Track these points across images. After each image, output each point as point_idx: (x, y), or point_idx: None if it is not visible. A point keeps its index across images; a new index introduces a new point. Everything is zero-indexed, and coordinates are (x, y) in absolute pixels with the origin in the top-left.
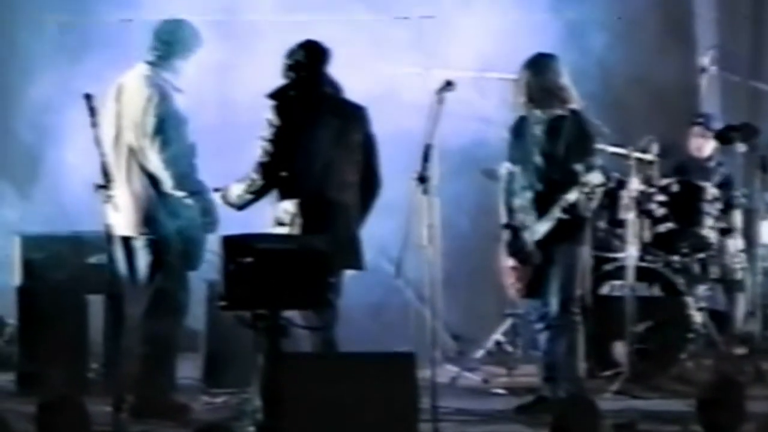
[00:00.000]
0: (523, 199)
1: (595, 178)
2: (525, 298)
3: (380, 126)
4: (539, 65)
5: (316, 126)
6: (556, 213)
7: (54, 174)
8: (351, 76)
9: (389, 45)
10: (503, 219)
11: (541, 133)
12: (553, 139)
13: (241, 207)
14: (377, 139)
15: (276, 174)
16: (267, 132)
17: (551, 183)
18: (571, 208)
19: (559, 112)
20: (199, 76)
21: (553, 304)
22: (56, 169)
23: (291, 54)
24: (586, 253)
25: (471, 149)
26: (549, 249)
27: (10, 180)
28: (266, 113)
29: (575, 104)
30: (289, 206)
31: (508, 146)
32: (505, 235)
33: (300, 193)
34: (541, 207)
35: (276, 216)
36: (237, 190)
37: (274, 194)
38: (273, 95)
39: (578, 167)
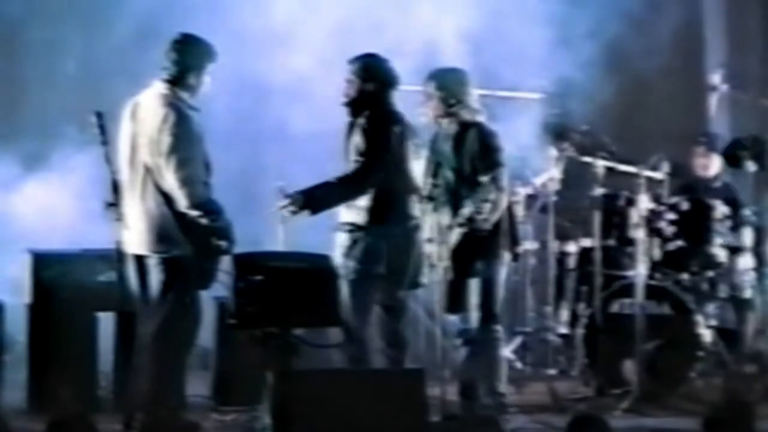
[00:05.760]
0: (442, 214)
1: (478, 204)
2: (447, 313)
3: None
4: (442, 78)
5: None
6: (456, 228)
7: None
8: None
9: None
10: (427, 234)
11: (448, 147)
12: (459, 154)
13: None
14: None
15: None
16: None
17: (460, 197)
18: (469, 222)
19: (462, 125)
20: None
21: (473, 319)
22: None
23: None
24: (501, 267)
25: None
26: (461, 264)
27: None
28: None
29: (478, 117)
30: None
31: (426, 161)
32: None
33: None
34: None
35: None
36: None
37: None
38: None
39: (484, 179)
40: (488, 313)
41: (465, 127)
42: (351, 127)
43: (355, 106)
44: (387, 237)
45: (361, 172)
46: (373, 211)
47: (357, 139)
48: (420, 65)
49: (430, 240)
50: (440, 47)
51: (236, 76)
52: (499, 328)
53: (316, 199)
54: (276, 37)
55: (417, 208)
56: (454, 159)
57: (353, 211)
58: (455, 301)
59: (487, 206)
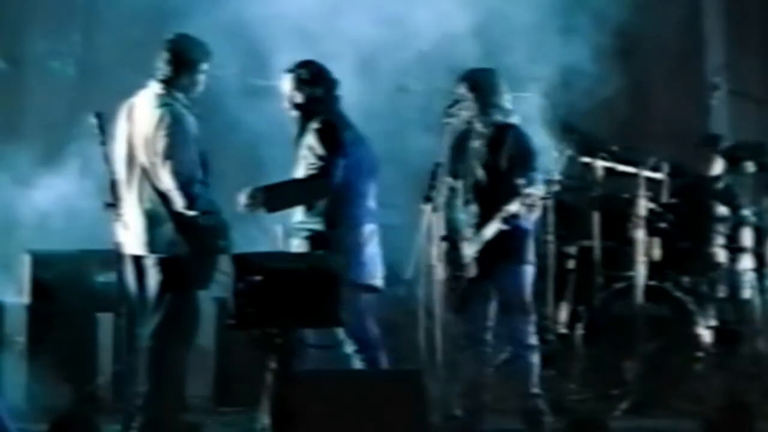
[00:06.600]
0: (466, 212)
1: (539, 190)
2: (454, 313)
3: (387, 144)
4: (475, 79)
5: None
6: (497, 224)
7: None
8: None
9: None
10: (442, 232)
11: (481, 146)
12: (494, 153)
13: None
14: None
15: None
16: None
17: (493, 196)
18: (512, 219)
19: (498, 126)
20: None
21: (479, 323)
22: None
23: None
24: (529, 273)
25: None
26: (487, 264)
27: None
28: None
29: (514, 118)
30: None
31: (449, 161)
32: (442, 247)
33: None
34: (483, 220)
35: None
36: None
37: None
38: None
39: (520, 181)
40: (523, 313)
41: (501, 128)
42: (301, 132)
43: (305, 111)
44: (343, 241)
45: (321, 175)
46: (329, 216)
47: (311, 143)
48: (421, 57)
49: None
50: (441, 40)
51: (239, 75)
52: (528, 330)
53: (276, 197)
54: (280, 35)
55: (370, 211)
56: (488, 158)
57: (309, 216)
58: (467, 301)
59: (538, 205)
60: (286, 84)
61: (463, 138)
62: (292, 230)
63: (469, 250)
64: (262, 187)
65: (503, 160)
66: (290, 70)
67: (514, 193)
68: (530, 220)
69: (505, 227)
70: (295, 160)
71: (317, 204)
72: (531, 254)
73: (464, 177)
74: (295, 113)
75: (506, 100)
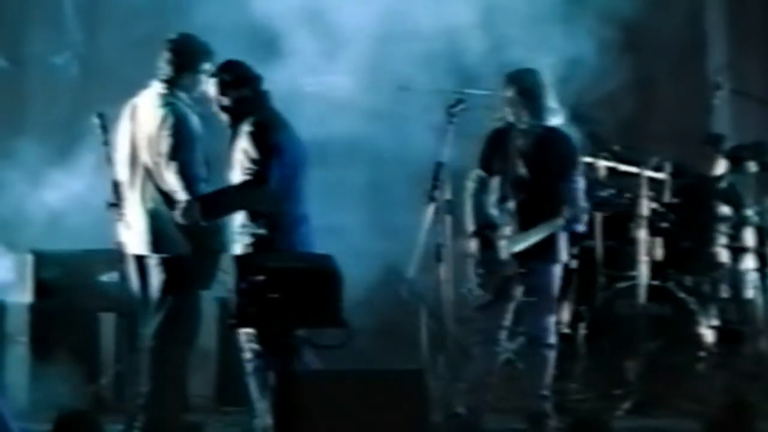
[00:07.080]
0: (501, 209)
1: (618, 199)
2: (482, 310)
3: (389, 142)
4: (523, 81)
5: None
6: (557, 224)
7: None
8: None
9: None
10: (471, 226)
11: (527, 146)
12: (542, 154)
13: None
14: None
15: None
16: None
17: (535, 195)
18: (574, 221)
19: (546, 127)
20: None
21: (497, 322)
22: None
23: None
24: (559, 271)
25: None
26: (521, 261)
27: None
28: None
29: (559, 119)
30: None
31: (483, 156)
32: (474, 242)
33: None
34: (524, 218)
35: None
36: None
37: None
38: None
39: (564, 185)
40: (549, 311)
41: (549, 129)
42: (234, 135)
43: (235, 113)
44: (286, 242)
45: (256, 180)
46: (270, 218)
47: (245, 146)
48: (422, 51)
49: (441, 244)
50: (443, 36)
51: None
52: (551, 329)
53: (212, 206)
54: (282, 33)
55: (306, 208)
56: (533, 157)
57: (251, 219)
58: (498, 298)
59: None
60: (210, 89)
61: (501, 135)
62: (235, 234)
63: (511, 248)
64: (197, 197)
65: (551, 161)
66: (213, 75)
67: (560, 193)
68: (582, 222)
69: (562, 229)
70: (230, 163)
71: (257, 207)
72: (565, 253)
73: (502, 174)
74: (225, 117)
75: (552, 98)
